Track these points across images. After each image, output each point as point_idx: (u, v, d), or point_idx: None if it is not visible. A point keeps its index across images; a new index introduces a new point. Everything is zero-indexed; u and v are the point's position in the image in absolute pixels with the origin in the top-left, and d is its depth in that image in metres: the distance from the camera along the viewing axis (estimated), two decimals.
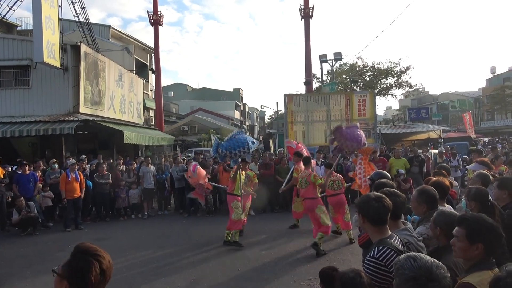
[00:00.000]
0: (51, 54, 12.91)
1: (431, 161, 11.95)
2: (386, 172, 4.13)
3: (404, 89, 36.13)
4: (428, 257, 1.62)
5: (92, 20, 19.17)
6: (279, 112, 44.29)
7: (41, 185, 10.02)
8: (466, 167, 9.66)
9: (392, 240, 2.19)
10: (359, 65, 34.84)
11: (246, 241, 7.71)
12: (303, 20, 24.26)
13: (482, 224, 2.01)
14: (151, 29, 25.57)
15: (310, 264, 6.17)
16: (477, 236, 1.98)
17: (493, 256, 2.01)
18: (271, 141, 24.68)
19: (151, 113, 27.63)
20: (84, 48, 14.43)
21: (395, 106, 64.95)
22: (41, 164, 10.85)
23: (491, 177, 4.02)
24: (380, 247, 2.15)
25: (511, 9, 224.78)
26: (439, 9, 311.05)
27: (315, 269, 5.40)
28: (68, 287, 1.49)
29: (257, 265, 6.32)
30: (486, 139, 26.84)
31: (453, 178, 5.83)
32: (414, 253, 1.71)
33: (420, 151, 12.47)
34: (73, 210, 9.61)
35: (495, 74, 52.32)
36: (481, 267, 1.94)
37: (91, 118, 13.94)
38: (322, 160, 11.23)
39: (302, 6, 23.99)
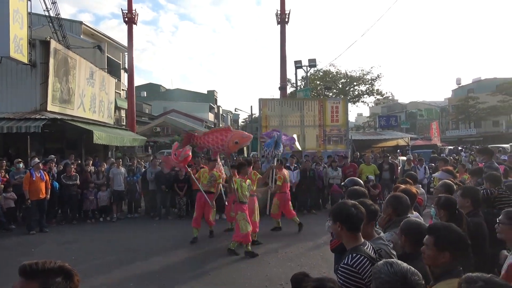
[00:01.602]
0: (19, 49, 12.40)
1: (399, 167, 12.32)
2: (359, 179, 4.23)
3: (375, 97, 37.16)
4: (405, 264, 1.68)
5: (63, 15, 18.53)
6: (253, 116, 44.42)
7: (2, 186, 9.56)
8: (432, 174, 10.04)
9: (365, 248, 2.25)
10: (333, 72, 35.56)
11: (218, 246, 7.67)
12: (279, 25, 24.55)
13: (450, 232, 2.11)
14: (124, 27, 25.16)
15: (282, 269, 6.21)
16: (444, 244, 2.07)
17: (460, 264, 2.11)
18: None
19: (123, 113, 27.04)
20: (53, 44, 13.95)
21: (366, 113, 66.64)
22: (4, 163, 10.37)
23: (455, 186, 4.19)
24: (354, 254, 2.20)
25: (476, 24, 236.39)
26: (410, 21, 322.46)
27: (287, 274, 5.44)
28: None
29: (229, 270, 6.29)
30: (451, 147, 27.99)
31: (420, 185, 6.04)
32: (392, 260, 1.77)
33: (389, 157, 12.85)
34: (37, 212, 9.23)
35: (460, 85, 54.78)
36: (449, 275, 2.03)
37: (59, 117, 13.46)
38: (295, 165, 11.36)
39: (279, 12, 24.29)
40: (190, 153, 8.13)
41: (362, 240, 2.33)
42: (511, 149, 20.10)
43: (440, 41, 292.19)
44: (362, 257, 2.17)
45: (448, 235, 2.11)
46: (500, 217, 2.82)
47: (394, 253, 2.60)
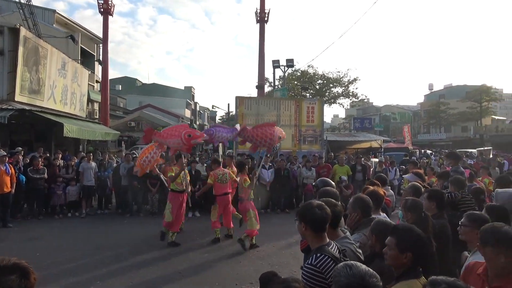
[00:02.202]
0: None
1: (371, 169, 12.58)
2: (330, 180, 4.27)
3: (351, 99, 37.82)
4: (364, 266, 1.71)
5: (36, 2, 17.89)
6: (230, 114, 44.30)
7: None
8: (403, 176, 10.31)
9: (330, 248, 2.28)
10: (310, 73, 35.92)
11: (190, 244, 7.60)
12: (258, 24, 24.56)
13: (411, 234, 2.17)
14: (100, 17, 24.39)
15: (253, 267, 6.22)
16: (406, 245, 2.12)
17: (421, 265, 2.16)
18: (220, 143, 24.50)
19: (96, 106, 26.31)
20: (23, 32, 13.40)
21: (342, 114, 67.84)
22: None
23: (422, 189, 4.31)
24: (319, 254, 2.22)
25: (450, 31, 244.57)
26: (387, 25, 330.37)
27: (257, 272, 5.43)
28: None
29: (200, 269, 6.24)
30: (422, 150, 28.85)
31: (389, 187, 6.18)
32: (351, 262, 1.79)
33: (362, 159, 13.10)
34: (1, 206, 8.86)
35: (432, 91, 56.64)
36: (408, 275, 2.09)
37: (27, 108, 12.95)
38: (270, 164, 11.40)
39: (258, 10, 24.29)
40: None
41: (327, 240, 2.36)
42: (478, 154, 20.92)
43: (414, 46, 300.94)
44: (326, 257, 2.20)
45: (410, 237, 2.17)
46: (462, 219, 2.92)
47: (360, 251, 2.65)
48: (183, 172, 7.77)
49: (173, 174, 7.68)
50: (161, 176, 8.47)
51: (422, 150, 28.25)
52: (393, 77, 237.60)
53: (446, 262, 3.29)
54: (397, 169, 12.75)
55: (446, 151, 15.64)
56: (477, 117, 44.61)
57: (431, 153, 24.25)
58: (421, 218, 3.16)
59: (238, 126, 8.64)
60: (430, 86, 58.26)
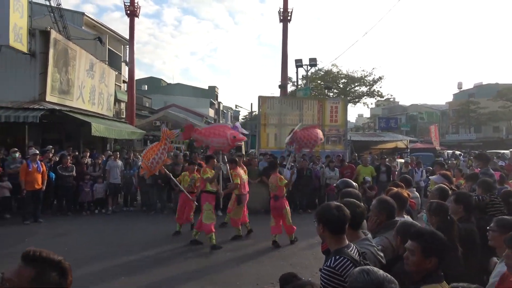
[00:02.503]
0: (18, 38, 12.34)
1: (396, 170, 12.30)
2: (352, 181, 4.20)
3: (376, 98, 37.10)
4: (381, 271, 1.66)
5: (65, 5, 18.51)
6: (253, 113, 44.38)
7: None
8: (429, 177, 10.03)
9: (349, 250, 2.24)
10: (334, 72, 35.49)
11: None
12: (281, 23, 24.47)
13: (435, 238, 2.10)
14: (127, 19, 24.94)
15: (274, 268, 6.20)
16: (431, 250, 2.06)
17: (443, 269, 2.09)
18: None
19: (122, 106, 26.95)
20: (54, 34, 13.88)
21: (367, 114, 66.66)
22: (1, 152, 10.35)
23: (449, 190, 4.17)
24: (338, 257, 2.19)
25: (480, 28, 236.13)
26: (413, 22, 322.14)
27: (278, 272, 5.41)
28: None
29: (221, 267, 6.29)
30: (450, 151, 28.00)
31: (414, 189, 6.02)
32: (368, 267, 1.75)
33: (386, 159, 12.83)
34: (32, 202, 9.23)
35: (462, 90, 54.70)
36: (430, 280, 2.02)
37: (57, 108, 13.41)
38: (292, 164, 11.31)
39: (281, 10, 24.20)
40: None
41: (347, 242, 2.31)
42: (511, 155, 20.08)
43: (442, 44, 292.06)
44: (346, 259, 2.16)
45: (435, 241, 2.10)
46: (491, 224, 2.81)
47: (382, 254, 2.58)
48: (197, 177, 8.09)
49: (209, 176, 7.45)
50: (171, 176, 8.35)
51: (450, 151, 27.42)
52: (421, 76, 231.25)
53: (473, 267, 3.17)
54: (424, 170, 12.41)
55: (476, 152, 15.11)
56: (509, 116, 42.81)
57: (459, 154, 23.49)
58: (446, 222, 3.05)
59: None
60: (459, 85, 56.28)
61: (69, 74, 15.09)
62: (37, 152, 9.84)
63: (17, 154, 10.05)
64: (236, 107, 57.85)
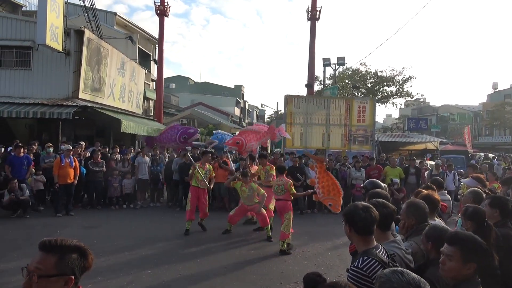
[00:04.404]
0: (54, 37, 12.84)
1: (426, 172, 11.93)
2: (379, 181, 4.10)
3: (405, 99, 36.18)
4: (414, 274, 1.61)
5: (98, 6, 19.09)
6: (279, 112, 44.27)
7: (33, 169, 9.96)
8: (461, 181, 9.66)
9: (377, 251, 2.18)
10: (362, 71, 34.87)
11: (236, 240, 7.70)
12: (309, 22, 24.25)
13: (475, 243, 2.02)
14: (157, 19, 25.46)
15: (298, 267, 6.16)
16: (471, 256, 1.98)
17: (480, 275, 2.00)
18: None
19: (151, 104, 27.55)
20: (87, 33, 14.36)
21: (395, 114, 65.04)
22: (35, 147, 10.80)
23: (484, 194, 4.00)
24: (365, 257, 2.14)
25: None
26: (444, 21, 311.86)
27: (302, 272, 5.37)
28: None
29: (245, 265, 6.30)
30: (483, 154, 26.91)
31: (446, 191, 5.82)
32: (400, 268, 1.69)
33: (417, 161, 12.48)
34: (64, 196, 9.58)
35: (497, 90, 52.48)
36: (467, 286, 1.94)
37: (89, 105, 13.88)
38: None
39: (310, 8, 23.98)
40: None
41: (375, 243, 2.26)
42: None
43: (477, 43, 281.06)
44: (374, 260, 2.11)
45: (474, 246, 2.02)
46: None
47: (410, 258, 2.50)
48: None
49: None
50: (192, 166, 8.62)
51: (483, 153, 26.35)
52: (453, 76, 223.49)
53: (510, 273, 3.02)
54: (455, 173, 11.98)
55: (511, 155, 14.43)
56: None
57: (493, 157, 22.53)
58: (482, 228, 2.90)
59: (283, 126, 8.90)
60: (494, 85, 54.01)
61: (101, 72, 15.58)
62: (71, 147, 10.21)
63: (51, 149, 10.46)
64: (262, 106, 58.00)
